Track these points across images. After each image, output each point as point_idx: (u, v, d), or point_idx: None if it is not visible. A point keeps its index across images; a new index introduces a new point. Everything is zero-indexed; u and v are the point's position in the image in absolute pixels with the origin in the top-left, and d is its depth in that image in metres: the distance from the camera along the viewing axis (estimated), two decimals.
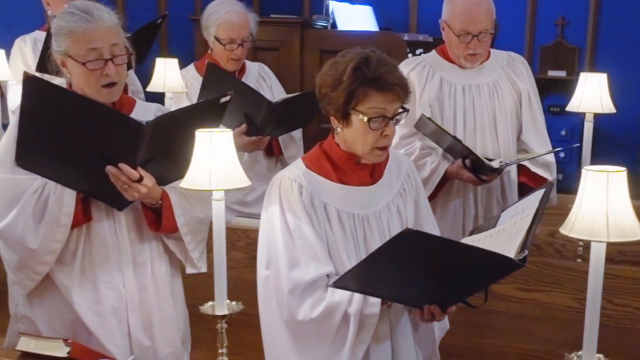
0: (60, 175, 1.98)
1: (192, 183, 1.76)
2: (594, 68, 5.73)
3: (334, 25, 4.67)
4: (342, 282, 1.78)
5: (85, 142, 1.90)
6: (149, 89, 3.37)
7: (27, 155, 1.96)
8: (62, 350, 1.93)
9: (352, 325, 1.86)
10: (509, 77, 2.85)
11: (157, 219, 2.09)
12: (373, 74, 1.82)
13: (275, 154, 3.30)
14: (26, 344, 1.98)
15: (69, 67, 2.03)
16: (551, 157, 2.78)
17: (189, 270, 2.23)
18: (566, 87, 5.45)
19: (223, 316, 1.85)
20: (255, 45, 3.33)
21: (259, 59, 3.80)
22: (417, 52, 5.10)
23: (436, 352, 2.13)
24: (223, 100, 2.03)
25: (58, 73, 2.09)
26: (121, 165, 1.90)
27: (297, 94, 3.05)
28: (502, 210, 1.99)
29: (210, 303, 1.87)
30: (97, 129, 1.87)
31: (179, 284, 2.30)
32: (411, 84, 2.71)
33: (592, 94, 2.85)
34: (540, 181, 2.80)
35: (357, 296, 1.86)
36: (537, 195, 1.81)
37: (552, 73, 5.90)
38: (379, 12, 5.61)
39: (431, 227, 2.12)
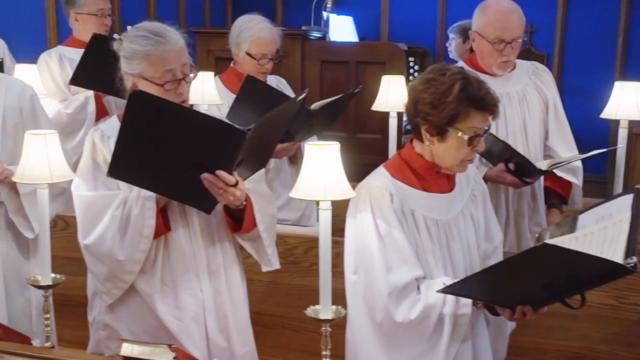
0: (152, 182, 2.02)
1: (304, 193, 1.81)
2: (560, 74, 6.06)
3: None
4: (453, 289, 1.87)
5: (184, 151, 1.94)
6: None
7: (121, 166, 1.99)
8: (167, 356, 1.93)
9: (447, 326, 1.95)
10: (536, 85, 3.00)
11: (232, 221, 2.16)
12: (477, 94, 1.92)
13: (297, 161, 3.36)
14: (129, 350, 1.96)
15: (141, 88, 2.09)
16: (578, 162, 2.95)
17: (264, 268, 2.29)
18: None
19: (328, 320, 1.90)
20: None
21: None
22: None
23: (505, 349, 2.25)
24: (300, 98, 2.14)
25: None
26: (218, 172, 1.94)
27: (333, 99, 3.12)
28: (579, 214, 2.11)
29: (314, 307, 1.93)
30: (198, 139, 1.92)
31: (246, 288, 2.36)
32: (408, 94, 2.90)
33: (629, 101, 3.00)
34: (565, 185, 2.97)
35: (450, 297, 1.95)
36: (624, 201, 1.92)
37: None
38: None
39: (496, 230, 2.24)
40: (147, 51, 2.06)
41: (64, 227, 3.02)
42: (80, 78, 3.21)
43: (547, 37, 6.10)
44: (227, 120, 1.97)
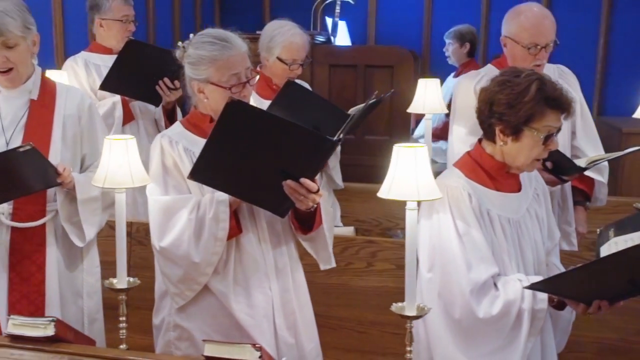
0: (233, 186, 2.07)
1: (397, 194, 1.88)
2: None
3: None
4: (541, 286, 1.97)
5: (271, 158, 2.00)
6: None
7: (204, 170, 2.03)
8: (253, 355, 1.97)
9: (525, 321, 2.04)
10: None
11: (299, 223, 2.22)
12: (553, 94, 2.02)
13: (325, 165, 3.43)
14: (213, 350, 1.99)
15: (207, 93, 2.17)
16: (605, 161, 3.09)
17: (323, 266, 2.33)
18: None
19: (412, 317, 1.97)
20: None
21: None
22: None
23: (565, 342, 2.36)
24: (372, 102, 2.18)
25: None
26: (303, 180, 2.00)
27: (369, 102, 3.19)
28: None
29: (398, 304, 1.99)
30: (288, 148, 1.98)
31: None
32: (477, 95, 3.01)
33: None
34: (588, 183, 3.10)
35: (528, 293, 2.04)
36: None
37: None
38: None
39: (554, 227, 2.35)
40: (214, 56, 2.12)
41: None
42: (110, 83, 3.21)
43: None
44: (317, 132, 2.01)
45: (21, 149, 2.15)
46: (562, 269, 2.30)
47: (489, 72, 3.12)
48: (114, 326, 2.39)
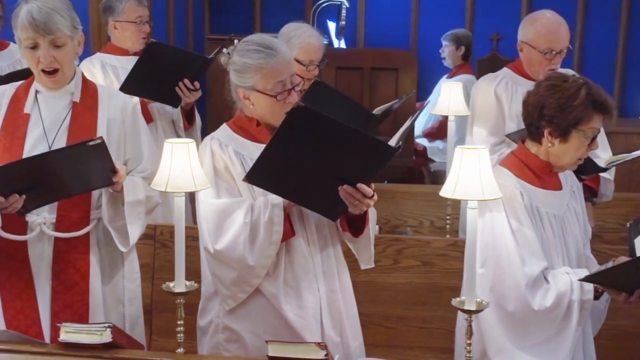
0: (288, 190, 2.10)
1: (463, 194, 1.95)
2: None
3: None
4: (594, 278, 2.09)
5: (330, 163, 2.03)
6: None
7: (262, 173, 2.05)
8: (319, 354, 2.02)
9: (575, 311, 2.16)
10: None
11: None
12: (599, 98, 2.14)
13: None
14: (277, 350, 2.04)
15: (253, 99, 2.19)
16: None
17: (364, 266, 2.38)
18: None
19: (472, 311, 2.05)
20: None
21: None
22: None
23: (598, 329, 2.48)
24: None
25: None
26: (359, 185, 2.04)
27: (394, 103, 3.26)
28: None
29: (459, 299, 2.08)
30: (349, 154, 2.01)
31: None
32: (499, 98, 3.13)
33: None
34: (595, 179, 3.20)
35: (576, 284, 2.16)
36: None
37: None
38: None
39: (587, 221, 2.46)
40: (260, 64, 2.15)
41: None
42: (130, 85, 3.20)
43: (512, 45, 6.47)
44: (379, 139, 2.05)
45: (91, 143, 2.08)
46: (595, 261, 2.44)
47: (507, 75, 3.27)
48: None
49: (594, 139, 2.19)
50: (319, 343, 2.07)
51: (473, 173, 1.94)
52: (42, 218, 2.28)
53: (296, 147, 2.01)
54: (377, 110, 3.23)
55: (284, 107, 2.16)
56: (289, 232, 2.18)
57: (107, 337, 2.11)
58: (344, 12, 4.34)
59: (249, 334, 2.24)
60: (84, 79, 2.41)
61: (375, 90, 3.88)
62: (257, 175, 2.07)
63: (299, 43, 3.30)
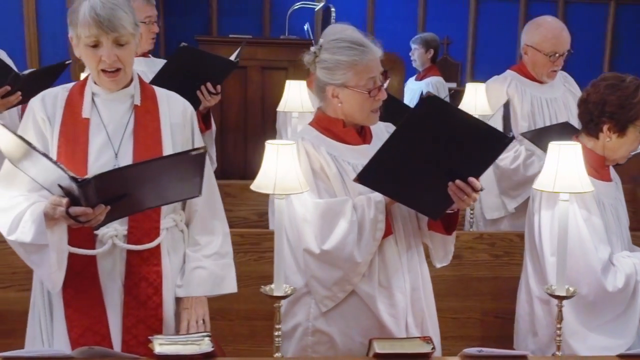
0: (396, 189, 2.12)
1: (563, 187, 2.08)
2: (474, 80, 6.78)
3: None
4: None
5: (446, 157, 2.04)
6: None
7: (374, 172, 2.06)
8: (425, 348, 2.07)
9: None
10: (570, 91, 3.53)
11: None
12: None
13: None
14: (384, 347, 2.06)
15: (342, 97, 2.21)
16: None
17: (440, 264, 2.42)
18: (455, 97, 6.40)
19: (563, 297, 2.17)
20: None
21: (270, 77, 3.97)
22: None
23: None
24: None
25: None
26: (471, 179, 2.06)
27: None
28: None
29: (551, 286, 2.18)
30: (466, 145, 2.02)
31: None
32: (510, 98, 3.32)
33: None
34: None
35: (639, 266, 2.35)
36: None
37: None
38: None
39: None
40: (354, 61, 2.16)
41: None
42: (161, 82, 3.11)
43: (461, 48, 6.80)
44: (497, 129, 2.08)
45: (194, 153, 1.95)
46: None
47: (514, 77, 3.46)
48: None
49: None
50: (423, 337, 2.12)
51: (571, 167, 2.07)
52: (114, 230, 2.12)
53: (417, 141, 2.00)
54: None
55: (373, 104, 2.19)
56: (389, 230, 2.20)
57: (207, 346, 2.06)
58: (333, 14, 4.40)
59: (341, 335, 2.24)
60: (141, 81, 2.27)
61: None
62: (370, 175, 2.06)
63: None
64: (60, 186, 1.90)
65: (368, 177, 2.09)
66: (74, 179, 1.82)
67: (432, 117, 1.98)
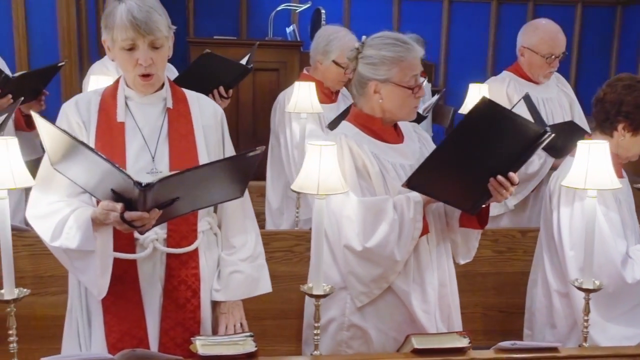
0: (441, 189, 2.15)
1: (595, 184, 2.15)
2: (446, 81, 6.92)
3: None
4: None
5: (491, 155, 2.08)
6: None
7: (425, 174, 2.09)
8: (462, 342, 2.13)
9: None
10: (563, 91, 3.66)
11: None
12: None
13: None
14: (422, 342, 2.11)
15: (384, 93, 2.25)
16: None
17: (464, 260, 2.47)
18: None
19: (590, 290, 2.27)
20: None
21: (261, 79, 3.99)
22: None
23: None
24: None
25: None
26: (511, 174, 2.11)
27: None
28: None
29: (579, 280, 2.27)
30: (512, 143, 2.07)
31: None
32: (510, 99, 3.42)
33: None
34: None
35: None
36: None
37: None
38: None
39: None
40: (401, 57, 2.21)
41: None
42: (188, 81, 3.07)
43: (435, 50, 6.91)
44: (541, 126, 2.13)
45: (251, 154, 1.91)
46: None
47: (512, 78, 3.56)
48: None
49: None
50: (460, 332, 2.18)
51: (600, 165, 2.15)
52: (154, 234, 2.10)
53: (468, 143, 2.04)
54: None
55: (413, 101, 2.24)
56: (426, 229, 2.25)
57: (250, 346, 2.07)
58: (323, 16, 4.42)
59: (375, 330, 2.29)
60: (170, 82, 2.26)
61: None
62: (419, 180, 2.10)
63: (340, 46, 3.37)
64: (113, 190, 1.87)
65: (417, 181, 2.11)
66: (137, 183, 1.80)
67: (486, 120, 2.03)
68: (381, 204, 2.20)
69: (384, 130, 2.31)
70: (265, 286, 2.31)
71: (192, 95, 2.29)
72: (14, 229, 2.94)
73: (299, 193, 3.25)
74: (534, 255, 2.81)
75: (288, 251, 3.18)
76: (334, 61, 3.37)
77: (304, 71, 3.56)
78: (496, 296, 3.29)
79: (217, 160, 2.03)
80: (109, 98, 2.18)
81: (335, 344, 2.32)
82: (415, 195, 2.21)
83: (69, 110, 2.15)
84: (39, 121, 1.83)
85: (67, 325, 2.23)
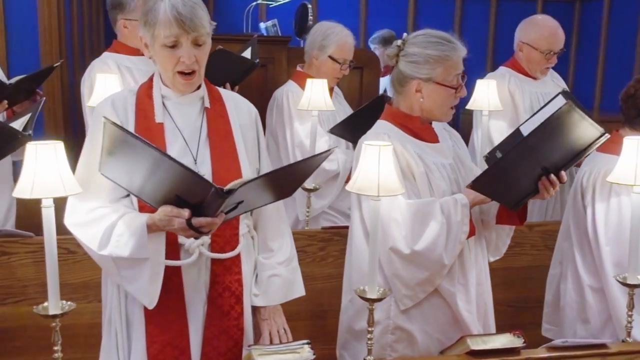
0: (499, 191, 2.15)
1: (621, 179, 2.20)
2: None
3: None
4: None
5: (552, 155, 2.10)
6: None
7: (490, 178, 2.10)
8: (516, 342, 2.13)
9: None
10: (558, 85, 3.70)
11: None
12: None
13: None
14: (478, 343, 2.11)
15: (425, 92, 2.22)
16: None
17: (495, 257, 2.47)
18: None
19: (634, 285, 2.29)
20: None
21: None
22: None
23: None
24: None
25: None
26: (562, 173, 2.14)
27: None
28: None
29: (624, 275, 2.29)
30: (573, 142, 2.09)
31: None
32: (512, 94, 3.44)
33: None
34: None
35: None
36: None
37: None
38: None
39: None
40: (447, 56, 2.18)
41: None
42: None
43: None
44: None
45: (325, 154, 1.90)
46: None
47: (511, 74, 3.58)
48: None
49: None
50: (514, 332, 2.15)
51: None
52: (200, 239, 2.00)
53: (543, 144, 2.04)
54: None
55: (454, 101, 2.21)
56: (473, 231, 2.23)
57: (308, 354, 2.00)
58: (310, 13, 4.33)
59: (421, 332, 2.26)
60: (206, 81, 2.15)
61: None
62: (484, 181, 2.09)
63: (336, 41, 3.31)
64: (177, 196, 1.75)
65: (482, 183, 2.10)
66: (219, 189, 1.71)
67: (565, 124, 2.03)
68: (428, 206, 2.17)
69: (423, 130, 2.27)
70: (299, 289, 2.23)
71: (226, 94, 2.20)
72: (10, 234, 2.78)
73: (309, 191, 3.17)
74: (555, 250, 2.82)
75: (301, 251, 3.10)
76: (330, 56, 3.31)
77: (298, 68, 3.49)
78: (505, 291, 3.29)
79: (295, 162, 2.01)
80: (144, 97, 2.06)
81: (379, 347, 2.27)
82: (462, 198, 2.19)
83: (105, 110, 2.01)
84: (107, 125, 1.69)
85: (105, 336, 2.10)
